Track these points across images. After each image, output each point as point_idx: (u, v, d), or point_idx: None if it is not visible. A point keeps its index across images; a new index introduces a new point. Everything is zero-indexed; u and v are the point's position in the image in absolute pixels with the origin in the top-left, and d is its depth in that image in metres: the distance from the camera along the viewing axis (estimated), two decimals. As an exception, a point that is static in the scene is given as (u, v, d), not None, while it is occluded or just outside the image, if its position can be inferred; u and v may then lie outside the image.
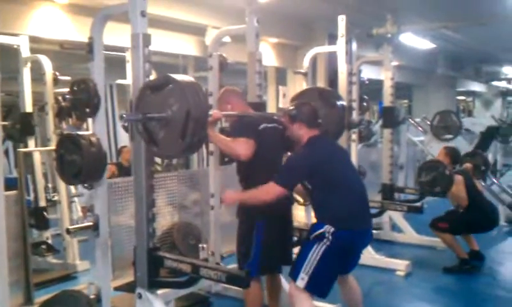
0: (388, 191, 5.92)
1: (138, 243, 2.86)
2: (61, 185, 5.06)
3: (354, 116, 5.41)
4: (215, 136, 3.30)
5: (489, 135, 8.51)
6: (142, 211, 2.84)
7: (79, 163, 2.84)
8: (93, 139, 2.89)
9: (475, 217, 5.13)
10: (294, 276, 3.10)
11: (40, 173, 5.25)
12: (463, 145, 7.70)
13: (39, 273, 4.68)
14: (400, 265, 5.10)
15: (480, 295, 4.70)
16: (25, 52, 5.07)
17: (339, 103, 3.93)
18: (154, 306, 2.81)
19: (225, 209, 4.24)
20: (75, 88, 3.07)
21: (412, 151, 8.53)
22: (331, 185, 3.13)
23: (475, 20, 7.94)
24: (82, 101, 3.03)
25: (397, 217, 6.24)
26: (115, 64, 6.73)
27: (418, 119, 9.38)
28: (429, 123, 7.56)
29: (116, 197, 4.55)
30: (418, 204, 5.44)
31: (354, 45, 7.78)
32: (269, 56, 8.29)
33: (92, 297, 2.93)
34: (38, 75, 5.11)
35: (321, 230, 3.07)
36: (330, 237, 3.04)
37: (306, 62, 5.54)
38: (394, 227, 6.40)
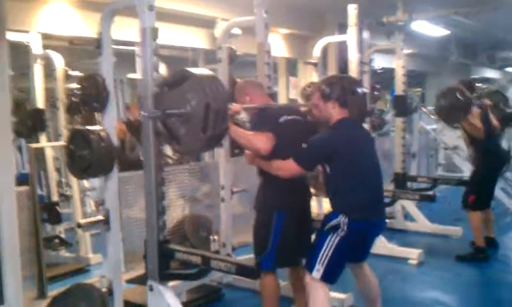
0: (401, 180, 5.90)
1: (149, 236, 2.88)
2: (73, 179, 5.10)
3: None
4: (234, 130, 3.20)
5: (504, 122, 8.41)
6: (152, 204, 2.85)
7: (89, 158, 2.86)
8: (103, 133, 2.90)
9: (485, 162, 5.13)
10: (310, 268, 3.10)
11: (52, 168, 5.29)
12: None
13: (52, 267, 4.74)
14: (412, 254, 5.09)
15: (493, 283, 4.67)
16: (36, 49, 5.10)
17: (360, 90, 3.88)
18: (165, 298, 2.82)
19: (237, 201, 4.25)
20: (84, 84, 3.08)
21: (425, 140, 8.47)
22: (348, 172, 3.09)
23: (488, 5, 7.82)
24: (91, 96, 3.05)
25: (410, 205, 6.21)
26: (126, 59, 6.76)
27: (430, 108, 9.30)
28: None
29: (127, 191, 4.59)
30: (430, 192, 5.42)
31: (365, 34, 7.72)
32: (279, 47, 8.26)
33: (104, 290, 2.96)
34: (48, 71, 5.14)
35: (335, 221, 3.05)
36: (345, 228, 3.03)
37: (316, 52, 5.53)
38: (407, 216, 6.37)
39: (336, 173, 3.11)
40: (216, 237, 4.06)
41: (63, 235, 5.19)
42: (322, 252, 3.06)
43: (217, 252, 3.96)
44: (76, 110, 5.31)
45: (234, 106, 3.20)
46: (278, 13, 6.91)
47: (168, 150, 5.38)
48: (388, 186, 5.75)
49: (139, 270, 3.86)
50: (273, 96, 4.08)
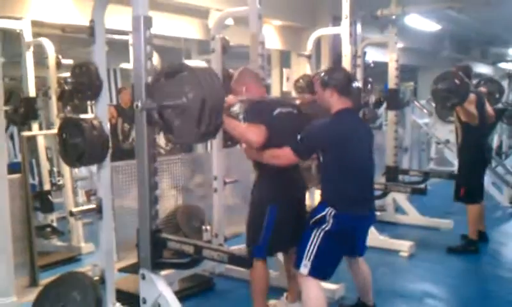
0: (392, 173, 5.93)
1: (141, 225, 2.88)
2: (66, 168, 5.09)
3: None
4: (228, 121, 3.21)
5: (496, 117, 8.47)
6: (145, 193, 2.85)
7: (82, 146, 2.84)
8: (95, 122, 2.89)
9: (470, 152, 5.10)
10: (297, 264, 3.11)
11: (44, 157, 5.28)
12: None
13: (44, 255, 4.73)
14: (404, 246, 5.12)
15: (483, 276, 4.72)
16: (27, 36, 5.07)
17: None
18: (157, 287, 2.83)
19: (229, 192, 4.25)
20: (76, 72, 3.06)
21: (417, 134, 8.51)
22: (341, 164, 3.09)
23: (480, 0, 7.86)
24: (83, 84, 3.03)
25: (401, 198, 6.25)
26: (119, 49, 6.74)
27: (423, 102, 9.34)
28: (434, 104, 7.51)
29: (119, 180, 4.59)
30: (421, 186, 5.44)
31: (358, 27, 7.73)
32: (272, 39, 8.26)
33: (96, 278, 2.95)
34: (40, 59, 5.11)
35: (322, 213, 3.06)
36: (331, 220, 3.03)
37: (310, 44, 5.53)
38: (398, 209, 6.41)
39: (329, 162, 3.11)
40: (208, 227, 4.06)
41: (55, 224, 5.19)
42: (308, 248, 3.07)
43: (209, 242, 3.96)
44: (68, 99, 5.29)
45: (229, 98, 3.21)
46: (272, 4, 6.91)
47: (160, 140, 5.38)
48: (380, 179, 5.79)
49: (132, 259, 3.87)
50: (267, 88, 4.09)
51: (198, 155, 5.46)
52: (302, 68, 6.43)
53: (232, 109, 3.48)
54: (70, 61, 5.26)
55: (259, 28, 3.83)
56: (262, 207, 3.28)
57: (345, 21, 4.91)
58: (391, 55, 5.95)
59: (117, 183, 4.54)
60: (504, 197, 7.28)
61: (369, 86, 6.86)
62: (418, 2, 7.98)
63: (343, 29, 4.96)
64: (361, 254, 3.42)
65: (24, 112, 5.09)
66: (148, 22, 2.75)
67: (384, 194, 5.77)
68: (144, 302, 2.88)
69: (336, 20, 6.19)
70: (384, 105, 6.62)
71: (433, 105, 7.72)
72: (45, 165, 5.26)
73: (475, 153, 5.13)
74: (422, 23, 9.63)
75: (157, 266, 2.88)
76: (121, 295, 3.22)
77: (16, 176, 4.31)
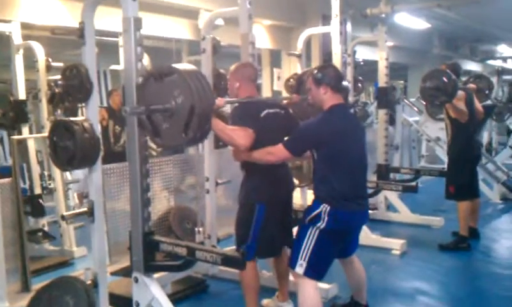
0: (384, 171, 5.94)
1: (133, 227, 2.88)
2: (57, 172, 5.06)
3: (349, 97, 5.39)
4: (216, 124, 3.15)
5: (485, 114, 8.53)
6: (137, 195, 2.84)
7: (73, 149, 2.83)
8: (86, 124, 2.88)
9: (459, 148, 5.13)
10: (293, 263, 3.10)
11: (35, 161, 5.24)
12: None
13: (36, 260, 4.69)
14: (395, 244, 5.13)
15: (474, 272, 4.74)
16: (17, 39, 5.03)
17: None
18: (151, 290, 2.82)
19: (222, 192, 4.25)
20: (67, 74, 3.05)
21: (407, 132, 8.54)
22: (335, 161, 3.08)
23: (469, -2, 7.90)
24: (74, 87, 3.02)
25: (393, 196, 6.27)
26: (108, 50, 6.71)
27: (413, 100, 9.38)
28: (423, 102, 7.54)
29: (111, 183, 4.57)
30: (413, 183, 5.46)
31: (348, 26, 7.75)
32: (262, 38, 8.25)
33: (89, 282, 2.94)
34: (30, 62, 5.08)
35: (317, 211, 3.06)
36: (326, 218, 3.02)
37: (300, 43, 5.52)
38: (389, 207, 6.43)
39: (322, 159, 3.10)
40: (200, 229, 4.06)
41: (46, 228, 5.15)
42: (303, 247, 3.07)
43: (202, 243, 3.96)
44: (59, 102, 5.26)
45: (218, 100, 3.18)
46: (262, 3, 6.91)
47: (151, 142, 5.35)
48: (371, 177, 5.80)
49: (124, 263, 3.86)
50: (258, 87, 4.08)
51: (189, 157, 5.43)
52: (293, 67, 6.45)
53: (220, 109, 3.47)
54: (60, 64, 5.22)
55: (249, 28, 3.82)
56: (251, 206, 3.29)
57: (335, 20, 4.91)
58: (381, 54, 5.96)
59: (109, 186, 4.52)
60: (494, 194, 7.33)
61: (359, 84, 6.90)
62: (407, 1, 8.01)
63: (333, 28, 4.96)
64: (353, 252, 3.43)
65: (14, 115, 5.07)
66: (138, 23, 2.75)
67: (376, 192, 5.79)
68: (138, 305, 2.87)
69: (326, 19, 6.20)
70: (375, 103, 6.65)
71: (423, 103, 7.76)
72: (35, 169, 5.23)
73: (465, 150, 5.16)
74: (411, 21, 9.66)
75: (149, 269, 2.88)
76: (114, 298, 3.21)
77: (6, 180, 4.28)
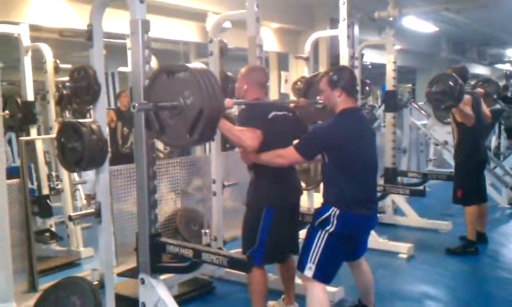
0: (391, 175, 5.93)
1: (140, 229, 2.88)
2: (64, 173, 5.08)
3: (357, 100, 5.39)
4: (223, 124, 3.12)
5: (493, 118, 8.49)
6: (144, 197, 2.85)
7: (80, 150, 2.84)
8: (94, 126, 2.89)
9: (465, 154, 5.11)
10: (301, 266, 3.09)
11: (43, 161, 5.27)
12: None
13: (43, 260, 4.71)
14: (402, 248, 5.12)
15: (482, 277, 4.71)
16: (25, 41, 5.06)
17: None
18: (157, 291, 2.83)
19: (228, 195, 4.25)
20: (75, 76, 3.06)
21: (415, 135, 8.52)
22: (345, 164, 3.06)
23: (477, 2, 7.88)
24: (82, 88, 3.03)
25: (400, 200, 6.25)
26: (116, 52, 6.74)
27: (421, 103, 9.35)
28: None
29: (119, 184, 4.59)
30: (420, 187, 5.45)
31: (356, 29, 7.75)
32: (270, 41, 8.27)
33: (95, 283, 2.95)
34: (39, 63, 5.11)
35: (326, 214, 3.04)
36: (335, 221, 3.01)
37: (307, 47, 5.52)
38: (397, 210, 6.41)
39: (333, 163, 3.08)
40: (207, 231, 4.06)
41: (53, 229, 5.17)
42: (312, 250, 3.05)
43: (208, 245, 3.96)
44: (67, 103, 5.29)
45: (226, 102, 3.18)
46: (270, 7, 6.92)
47: (159, 144, 5.37)
48: (379, 181, 5.78)
49: (131, 264, 3.87)
50: (265, 90, 4.08)
51: (196, 159, 5.44)
52: (300, 70, 6.45)
53: (228, 111, 3.47)
54: (68, 66, 5.25)
55: (257, 31, 3.82)
56: (259, 209, 3.28)
57: (343, 23, 4.91)
58: (388, 57, 5.95)
59: (116, 187, 4.53)
60: (502, 199, 7.28)
61: (367, 87, 6.89)
62: (415, 4, 8.01)
63: (341, 31, 4.96)
64: (361, 255, 3.42)
65: (23, 116, 5.10)
66: (146, 25, 2.76)
67: (383, 196, 5.78)
68: (144, 306, 2.87)
69: (334, 23, 6.20)
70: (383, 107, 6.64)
71: (431, 106, 7.73)
72: (43, 170, 5.25)
73: (471, 154, 5.12)
74: (419, 24, 9.64)
75: (156, 270, 2.88)
76: (120, 299, 3.22)
77: (15, 180, 4.31)
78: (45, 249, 5.03)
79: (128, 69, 5.94)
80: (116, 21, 4.44)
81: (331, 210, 3.04)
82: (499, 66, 18.02)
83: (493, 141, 9.65)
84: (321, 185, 3.84)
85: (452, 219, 6.05)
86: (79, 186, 6.04)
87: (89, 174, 5.32)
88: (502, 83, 19.44)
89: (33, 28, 5.27)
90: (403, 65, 11.55)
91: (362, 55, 6.35)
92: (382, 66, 6.37)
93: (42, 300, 2.99)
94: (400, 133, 6.97)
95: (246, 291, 3.52)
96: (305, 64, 5.48)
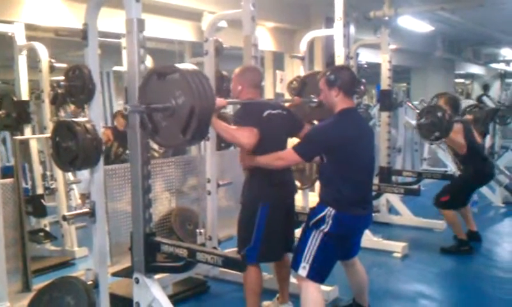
0: (386, 174, 5.94)
1: (135, 228, 2.88)
2: (59, 172, 5.07)
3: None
4: (218, 124, 3.18)
5: (489, 118, 8.51)
6: (138, 196, 2.84)
7: (75, 150, 2.83)
8: (89, 125, 2.88)
9: (471, 174, 5.22)
10: (295, 266, 3.09)
11: (37, 161, 5.25)
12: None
13: (37, 260, 4.69)
14: (397, 247, 5.13)
15: (477, 276, 4.72)
16: (20, 40, 5.04)
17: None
18: (151, 291, 2.82)
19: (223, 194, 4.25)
20: (70, 75, 3.05)
21: (410, 134, 8.53)
22: (343, 165, 3.06)
23: (472, 1, 7.90)
24: (77, 88, 3.02)
25: (395, 199, 6.26)
26: (111, 51, 6.72)
27: (416, 102, 9.37)
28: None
29: (113, 184, 4.58)
30: (415, 186, 5.47)
31: (351, 28, 7.75)
32: (266, 40, 8.26)
33: (90, 283, 2.94)
34: (33, 62, 5.09)
35: (322, 214, 3.04)
36: (330, 221, 3.01)
37: (303, 46, 5.52)
38: (391, 209, 6.42)
39: (332, 164, 3.08)
40: (202, 230, 4.06)
41: (48, 228, 5.16)
42: (306, 249, 3.05)
43: (203, 245, 3.96)
44: (62, 103, 5.27)
45: (219, 101, 3.18)
46: (265, 6, 6.91)
47: (153, 144, 5.36)
48: (374, 180, 5.79)
49: (125, 263, 3.86)
50: (260, 90, 4.08)
51: (191, 158, 5.44)
52: (295, 69, 6.44)
53: (223, 110, 3.47)
54: (63, 65, 5.23)
55: (252, 30, 3.82)
56: (254, 207, 3.29)
57: (339, 22, 4.91)
58: (384, 57, 5.96)
59: (110, 187, 4.52)
60: (496, 197, 7.31)
61: (362, 87, 6.89)
62: (410, 4, 8.02)
63: (336, 31, 4.96)
64: (355, 255, 3.42)
65: (17, 115, 5.08)
66: (141, 24, 2.75)
67: (378, 195, 5.79)
68: (138, 306, 2.87)
69: (330, 22, 6.19)
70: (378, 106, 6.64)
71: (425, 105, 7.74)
72: (38, 169, 5.23)
73: (474, 177, 5.26)
74: (414, 24, 9.65)
75: (150, 270, 2.88)
76: (115, 299, 3.21)
77: (9, 180, 4.30)
78: (39, 248, 5.02)
79: (123, 68, 5.94)
80: (111, 20, 4.42)
81: (326, 210, 3.04)
82: (494, 65, 18.06)
83: (487, 140, 9.67)
84: (316, 185, 3.84)
85: (446, 218, 6.07)
86: (74, 185, 6.01)
87: (84, 174, 5.32)
88: (496, 83, 19.51)
89: (28, 27, 5.24)
90: (398, 64, 11.56)
91: (357, 54, 6.36)
92: (377, 66, 6.37)
93: (36, 300, 2.98)
94: (395, 132, 6.97)
95: (240, 291, 3.53)
96: (301, 63, 5.47)
